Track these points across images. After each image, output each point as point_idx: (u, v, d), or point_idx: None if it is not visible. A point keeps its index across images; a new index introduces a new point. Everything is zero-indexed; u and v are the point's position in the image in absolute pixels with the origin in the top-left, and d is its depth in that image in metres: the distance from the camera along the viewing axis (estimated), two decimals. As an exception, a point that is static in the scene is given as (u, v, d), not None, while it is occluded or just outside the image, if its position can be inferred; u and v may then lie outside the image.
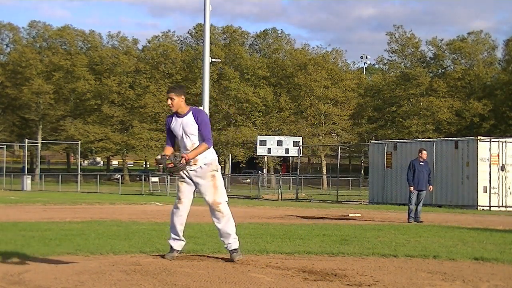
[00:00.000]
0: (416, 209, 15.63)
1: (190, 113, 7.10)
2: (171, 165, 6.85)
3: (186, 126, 7.05)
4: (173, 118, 7.18)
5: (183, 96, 7.15)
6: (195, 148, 7.00)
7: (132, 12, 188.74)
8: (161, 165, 6.88)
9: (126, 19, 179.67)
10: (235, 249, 7.17)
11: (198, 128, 7.02)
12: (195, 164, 7.09)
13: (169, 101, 7.11)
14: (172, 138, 7.22)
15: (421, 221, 15.22)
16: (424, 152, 16.14)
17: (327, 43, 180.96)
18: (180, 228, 7.32)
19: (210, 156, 7.16)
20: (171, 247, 7.33)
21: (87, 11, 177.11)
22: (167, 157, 6.88)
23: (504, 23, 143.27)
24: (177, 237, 7.33)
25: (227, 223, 7.14)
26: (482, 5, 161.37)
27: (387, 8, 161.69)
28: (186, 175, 7.19)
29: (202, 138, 7.04)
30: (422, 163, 15.87)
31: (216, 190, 7.12)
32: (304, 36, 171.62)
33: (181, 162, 6.86)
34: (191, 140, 7.06)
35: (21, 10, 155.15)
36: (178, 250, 7.33)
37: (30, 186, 46.00)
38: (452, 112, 64.62)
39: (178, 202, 7.28)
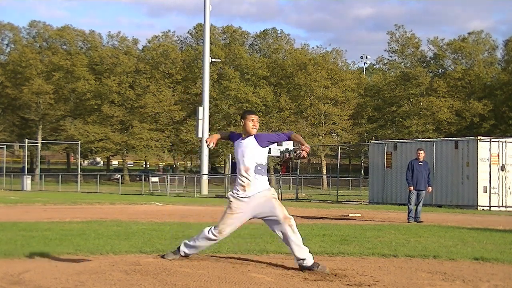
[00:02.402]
0: (416, 209, 15.63)
1: (252, 137, 6.95)
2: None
3: (249, 148, 6.89)
4: (240, 138, 7.02)
5: None
6: (301, 138, 6.84)
7: (129, 12, 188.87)
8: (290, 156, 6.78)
9: (123, 19, 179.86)
10: (315, 263, 6.68)
11: (271, 142, 6.90)
12: (249, 190, 6.83)
13: (257, 124, 6.96)
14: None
15: (421, 221, 15.23)
16: (421, 152, 16.13)
17: (324, 43, 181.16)
18: (201, 248, 7.16)
19: (265, 183, 6.94)
20: (180, 250, 7.16)
21: (84, 11, 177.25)
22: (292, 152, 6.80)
23: (502, 23, 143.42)
24: (192, 249, 7.18)
25: (298, 238, 6.76)
26: (479, 5, 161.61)
27: (385, 8, 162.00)
28: (239, 206, 6.83)
29: (280, 138, 7.00)
30: (421, 163, 15.86)
31: (281, 205, 6.81)
32: (302, 36, 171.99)
33: (302, 154, 6.71)
34: (248, 162, 6.87)
35: (20, 10, 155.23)
36: (183, 256, 7.16)
37: (30, 186, 45.99)
38: (452, 112, 64.64)
39: (218, 233, 6.88)
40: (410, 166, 15.93)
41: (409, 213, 15.60)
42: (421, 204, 15.82)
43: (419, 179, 15.74)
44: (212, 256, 7.54)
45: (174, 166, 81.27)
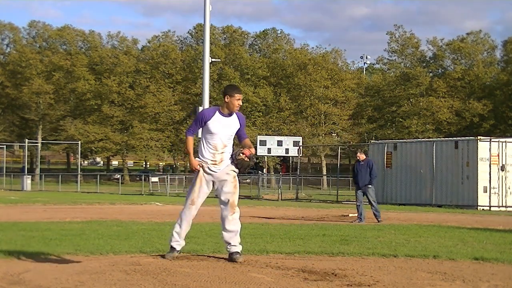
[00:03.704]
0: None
1: (235, 115, 7.15)
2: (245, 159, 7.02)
3: (229, 127, 7.09)
4: (216, 113, 7.10)
5: None
6: (248, 144, 7.16)
7: (124, 11, 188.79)
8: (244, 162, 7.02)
9: (118, 19, 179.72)
10: (238, 252, 7.21)
11: (240, 129, 7.15)
12: (219, 165, 7.12)
13: (241, 102, 7.14)
14: (196, 131, 7.22)
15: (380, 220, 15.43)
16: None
17: (320, 43, 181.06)
18: (186, 230, 7.33)
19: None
20: (172, 247, 7.34)
21: (78, 10, 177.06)
22: (241, 153, 7.06)
23: (498, 24, 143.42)
24: (180, 239, 7.32)
25: (236, 224, 7.24)
26: (475, 5, 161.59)
27: (380, 8, 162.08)
28: (207, 177, 7.16)
29: (243, 136, 7.19)
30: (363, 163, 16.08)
31: (235, 191, 7.20)
32: (298, 36, 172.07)
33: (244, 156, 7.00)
34: (228, 140, 7.14)
35: (17, 10, 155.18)
36: (179, 250, 7.35)
37: (30, 186, 45.99)
38: (452, 112, 64.63)
39: (192, 204, 7.25)
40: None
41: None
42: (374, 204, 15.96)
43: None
44: (212, 256, 7.54)
45: (174, 166, 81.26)
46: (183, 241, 7.39)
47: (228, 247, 7.23)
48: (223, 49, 68.41)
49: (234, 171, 7.20)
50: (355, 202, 16.71)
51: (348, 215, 17.71)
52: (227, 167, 7.13)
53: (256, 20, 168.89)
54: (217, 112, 7.08)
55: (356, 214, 15.83)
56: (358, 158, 16.20)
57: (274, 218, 16.11)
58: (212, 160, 7.10)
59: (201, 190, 7.21)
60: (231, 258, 7.15)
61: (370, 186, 15.86)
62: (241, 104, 7.11)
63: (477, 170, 24.72)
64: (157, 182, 45.85)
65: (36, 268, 6.66)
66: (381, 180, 27.89)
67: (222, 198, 7.22)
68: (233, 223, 7.22)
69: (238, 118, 7.16)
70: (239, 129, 7.16)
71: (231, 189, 7.17)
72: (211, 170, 7.11)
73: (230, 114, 7.10)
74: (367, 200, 15.83)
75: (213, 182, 7.21)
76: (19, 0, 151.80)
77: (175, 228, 7.34)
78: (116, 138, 67.69)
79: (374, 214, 15.60)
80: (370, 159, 17.24)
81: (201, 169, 7.13)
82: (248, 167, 7.15)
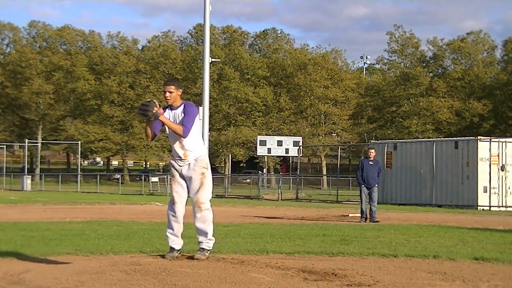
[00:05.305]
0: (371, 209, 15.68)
1: (182, 105, 7.15)
2: (153, 111, 6.89)
3: (177, 118, 7.08)
4: (167, 110, 7.18)
5: (180, 90, 7.21)
6: (172, 123, 7.03)
7: (124, 12, 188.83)
8: (148, 107, 6.89)
9: (118, 19, 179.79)
10: (203, 249, 7.24)
11: (183, 117, 7.05)
12: (186, 159, 7.14)
13: (168, 94, 7.09)
14: (158, 127, 7.18)
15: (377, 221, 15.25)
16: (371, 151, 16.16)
17: (319, 43, 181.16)
18: (178, 228, 7.35)
19: (200, 151, 7.22)
20: (171, 247, 7.35)
21: (78, 11, 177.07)
22: (155, 104, 6.95)
23: (497, 24, 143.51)
24: (176, 238, 7.35)
25: (204, 223, 7.25)
26: (474, 5, 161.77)
27: (379, 8, 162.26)
28: (178, 172, 7.20)
29: (181, 123, 7.04)
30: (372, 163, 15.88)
31: (202, 188, 7.16)
32: (297, 36, 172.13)
33: (158, 112, 6.90)
34: None
35: (16, 10, 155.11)
36: (178, 250, 7.35)
37: (30, 186, 45.99)
38: (452, 112, 64.65)
39: (173, 202, 7.32)
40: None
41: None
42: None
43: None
44: (212, 256, 7.54)
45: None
46: (180, 240, 7.39)
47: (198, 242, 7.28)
48: (223, 49, 68.42)
49: (204, 167, 7.17)
50: (358, 203, 16.52)
51: (348, 215, 17.71)
52: (194, 164, 7.13)
53: (255, 20, 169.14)
54: (167, 108, 7.15)
55: (360, 215, 15.76)
56: (369, 155, 15.90)
57: (274, 218, 16.13)
58: (177, 155, 7.17)
59: (177, 187, 7.26)
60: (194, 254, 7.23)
61: (377, 185, 15.86)
62: (167, 96, 7.05)
63: (477, 170, 24.72)
64: (157, 182, 45.84)
65: (36, 268, 6.66)
66: (381, 180, 27.91)
67: (190, 195, 7.25)
68: (201, 220, 7.24)
69: (184, 107, 7.11)
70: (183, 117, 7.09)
71: (196, 186, 7.16)
72: (179, 166, 7.18)
73: (177, 107, 7.11)
74: (370, 199, 15.71)
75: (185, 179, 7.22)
76: (19, 0, 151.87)
77: (167, 230, 7.41)
78: (116, 138, 67.70)
79: (372, 213, 15.53)
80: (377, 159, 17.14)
81: (171, 168, 7.24)
82: (144, 115, 6.96)
